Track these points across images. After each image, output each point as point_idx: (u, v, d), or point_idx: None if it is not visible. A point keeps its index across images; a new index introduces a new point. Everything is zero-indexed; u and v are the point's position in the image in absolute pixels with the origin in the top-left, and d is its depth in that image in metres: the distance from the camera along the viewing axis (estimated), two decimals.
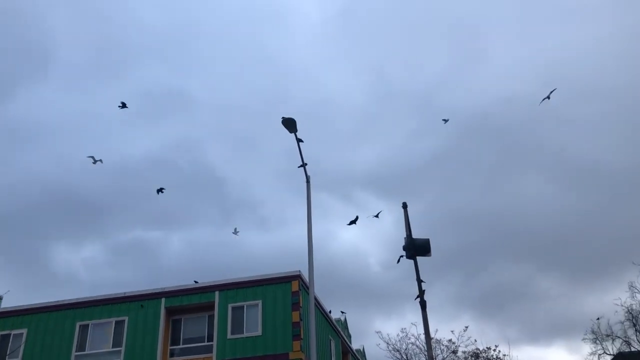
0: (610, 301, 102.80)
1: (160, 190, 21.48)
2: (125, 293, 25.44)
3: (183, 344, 24.43)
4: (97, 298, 25.69)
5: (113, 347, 24.25)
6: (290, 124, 16.44)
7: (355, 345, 40.75)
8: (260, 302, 23.97)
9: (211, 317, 24.33)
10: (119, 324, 24.77)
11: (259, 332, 23.32)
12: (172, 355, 24.19)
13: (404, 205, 14.82)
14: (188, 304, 24.68)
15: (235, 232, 26.70)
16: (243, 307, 24.05)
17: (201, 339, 24.26)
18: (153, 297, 24.94)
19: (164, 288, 25.17)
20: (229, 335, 23.38)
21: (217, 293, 24.41)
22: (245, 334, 23.38)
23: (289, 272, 24.48)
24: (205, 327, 24.51)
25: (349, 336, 39.04)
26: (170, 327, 24.80)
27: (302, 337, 23.10)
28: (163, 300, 24.75)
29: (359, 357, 39.21)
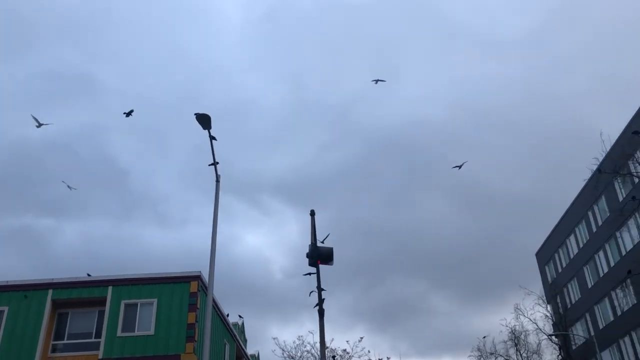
0: (496, 321, 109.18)
1: (129, 113, 19.83)
2: (7, 282, 23.74)
3: (68, 339, 23.10)
4: None
5: None
6: (204, 120, 16.03)
7: (250, 350, 40.37)
8: (155, 301, 23.17)
9: (102, 313, 23.21)
10: None
11: (152, 332, 22.51)
12: (54, 350, 22.81)
13: (312, 213, 14.85)
14: (78, 297, 23.41)
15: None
16: (137, 304, 23.14)
17: (88, 335, 23.07)
18: (39, 287, 23.44)
19: (52, 279, 23.72)
20: (119, 333, 22.39)
21: (110, 288, 23.33)
22: (136, 333, 22.48)
23: (188, 272, 23.87)
24: (94, 323, 23.34)
25: (245, 341, 38.61)
26: (56, 321, 23.40)
27: (196, 339, 22.55)
28: (50, 291, 23.32)
29: None
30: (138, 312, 22.97)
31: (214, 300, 22.78)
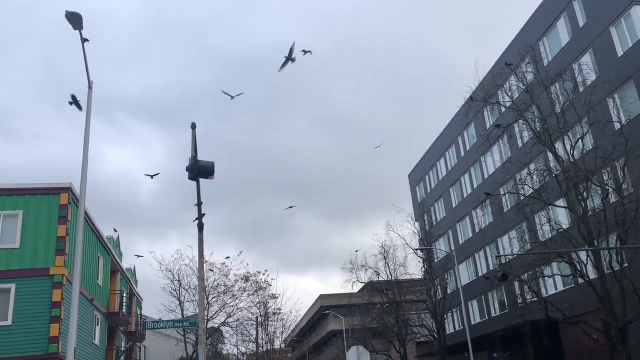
0: (358, 240, 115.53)
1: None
2: None
3: None
4: None
5: None
6: (75, 19, 14.59)
7: (126, 265, 39.71)
8: (20, 213, 21.79)
9: None
10: None
11: (17, 245, 21.29)
12: None
13: (193, 126, 14.35)
14: None
15: None
16: (0, 216, 21.63)
17: None
18: None
19: None
20: None
21: None
22: None
23: (58, 183, 22.55)
24: None
25: (120, 255, 37.82)
26: None
27: (67, 252, 21.68)
28: None
29: (129, 277, 38.36)
30: (1, 224, 21.52)
31: (86, 213, 21.87)
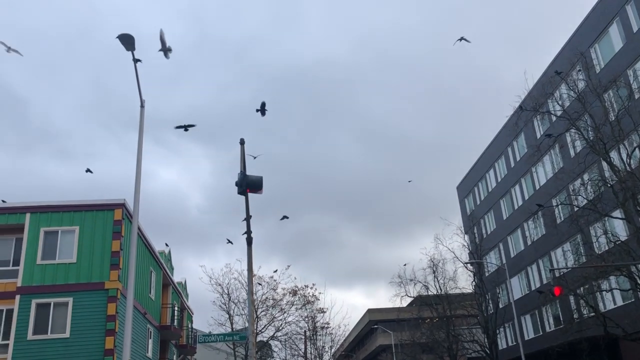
0: (403, 254, 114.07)
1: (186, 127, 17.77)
2: None
3: None
4: None
5: None
6: (127, 41, 15.10)
7: (177, 278, 40.46)
8: (77, 229, 22.54)
9: (19, 241, 22.39)
10: None
11: (74, 260, 22.01)
12: None
13: (242, 142, 14.62)
14: None
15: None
16: (57, 232, 22.44)
17: (6, 263, 22.31)
18: None
19: None
20: (39, 261, 21.78)
21: (28, 215, 22.43)
22: (57, 260, 21.93)
23: (112, 199, 23.25)
24: (12, 250, 22.53)
25: (172, 269, 38.59)
26: None
27: (121, 267, 22.28)
28: None
29: (180, 290, 39.06)
30: (59, 240, 22.31)
31: (139, 228, 22.43)
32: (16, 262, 22.13)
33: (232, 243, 24.99)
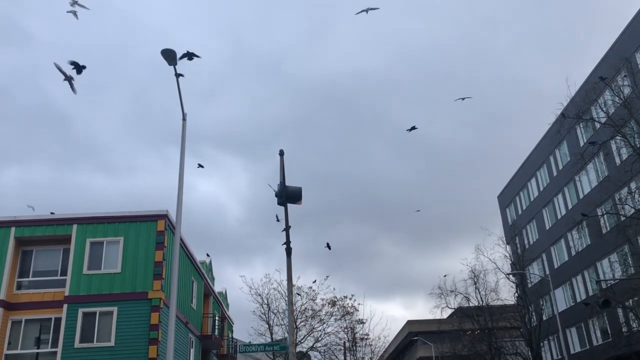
0: (441, 265, 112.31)
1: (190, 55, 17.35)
2: None
3: (33, 276, 23.03)
4: None
5: None
6: (170, 56, 15.52)
7: (217, 288, 40.92)
8: (121, 239, 23.11)
9: (67, 251, 23.09)
10: None
11: (118, 270, 22.55)
12: (19, 287, 22.73)
13: (281, 153, 14.80)
14: (41, 235, 23.15)
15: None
16: (103, 242, 23.06)
17: (54, 273, 23.02)
18: (1, 225, 23.08)
19: (15, 217, 23.35)
20: (85, 271, 22.40)
21: (74, 226, 23.11)
22: (102, 270, 22.52)
23: (155, 210, 23.76)
24: (60, 260, 23.26)
25: (213, 279, 39.06)
26: (20, 258, 23.20)
27: (163, 277, 22.70)
28: (13, 229, 22.99)
29: (221, 300, 39.48)
30: (104, 250, 22.91)
31: (181, 239, 22.84)
32: (64, 272, 22.81)
33: (202, 167, 25.45)
